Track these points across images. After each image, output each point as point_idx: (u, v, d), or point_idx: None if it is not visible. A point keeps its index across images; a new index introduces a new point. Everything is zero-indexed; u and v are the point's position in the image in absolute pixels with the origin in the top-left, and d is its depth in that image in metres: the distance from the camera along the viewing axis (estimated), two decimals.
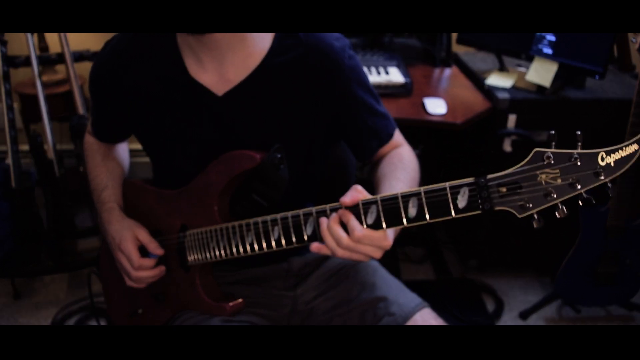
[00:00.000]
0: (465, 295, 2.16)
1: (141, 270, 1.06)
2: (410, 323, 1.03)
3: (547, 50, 1.83)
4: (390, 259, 2.16)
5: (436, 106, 1.73)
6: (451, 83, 2.03)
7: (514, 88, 1.90)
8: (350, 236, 0.84)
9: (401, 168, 1.06)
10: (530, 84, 1.88)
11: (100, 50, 1.08)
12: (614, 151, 0.67)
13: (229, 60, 0.99)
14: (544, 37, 1.82)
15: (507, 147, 1.88)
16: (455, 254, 2.38)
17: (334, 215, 0.86)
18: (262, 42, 1.00)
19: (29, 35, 1.90)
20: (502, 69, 2.01)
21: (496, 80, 1.94)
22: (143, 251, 1.07)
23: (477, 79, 2.01)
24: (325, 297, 1.13)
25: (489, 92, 1.88)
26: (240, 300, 1.06)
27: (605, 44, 1.72)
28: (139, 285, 1.09)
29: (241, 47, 0.98)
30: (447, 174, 2.31)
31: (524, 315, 2.06)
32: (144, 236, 1.07)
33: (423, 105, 1.75)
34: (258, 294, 1.15)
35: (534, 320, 2.05)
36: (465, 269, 2.25)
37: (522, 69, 2.02)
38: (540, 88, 1.85)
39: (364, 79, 1.07)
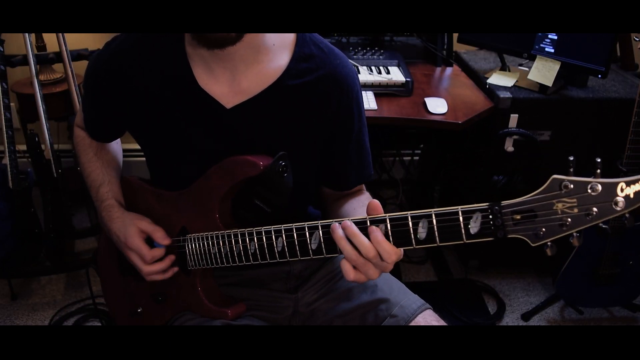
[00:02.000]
0: (467, 296, 2.15)
1: (154, 264, 1.03)
2: (412, 325, 1.02)
3: (549, 49, 1.81)
4: None
5: (437, 105, 1.72)
6: (452, 82, 2.01)
7: (515, 87, 1.88)
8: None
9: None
10: (532, 83, 1.86)
11: (101, 50, 1.05)
12: (634, 182, 0.64)
13: (242, 73, 0.97)
14: (546, 36, 1.81)
15: (509, 147, 1.87)
16: (455, 254, 2.37)
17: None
18: (277, 60, 0.98)
19: (26, 34, 1.88)
20: (504, 68, 2.00)
21: (498, 79, 1.93)
22: (149, 243, 1.05)
23: (478, 78, 2.00)
24: (326, 299, 1.12)
25: (490, 92, 1.87)
26: (241, 304, 1.05)
27: (607, 43, 1.71)
28: (155, 278, 1.05)
29: (254, 60, 0.97)
30: (448, 174, 2.30)
31: (526, 316, 2.05)
32: (147, 225, 1.05)
33: (424, 105, 1.74)
34: (259, 296, 1.14)
35: (536, 322, 2.04)
36: (466, 269, 2.24)
37: (524, 68, 2.01)
38: (542, 87, 1.84)
39: (363, 112, 1.08)
